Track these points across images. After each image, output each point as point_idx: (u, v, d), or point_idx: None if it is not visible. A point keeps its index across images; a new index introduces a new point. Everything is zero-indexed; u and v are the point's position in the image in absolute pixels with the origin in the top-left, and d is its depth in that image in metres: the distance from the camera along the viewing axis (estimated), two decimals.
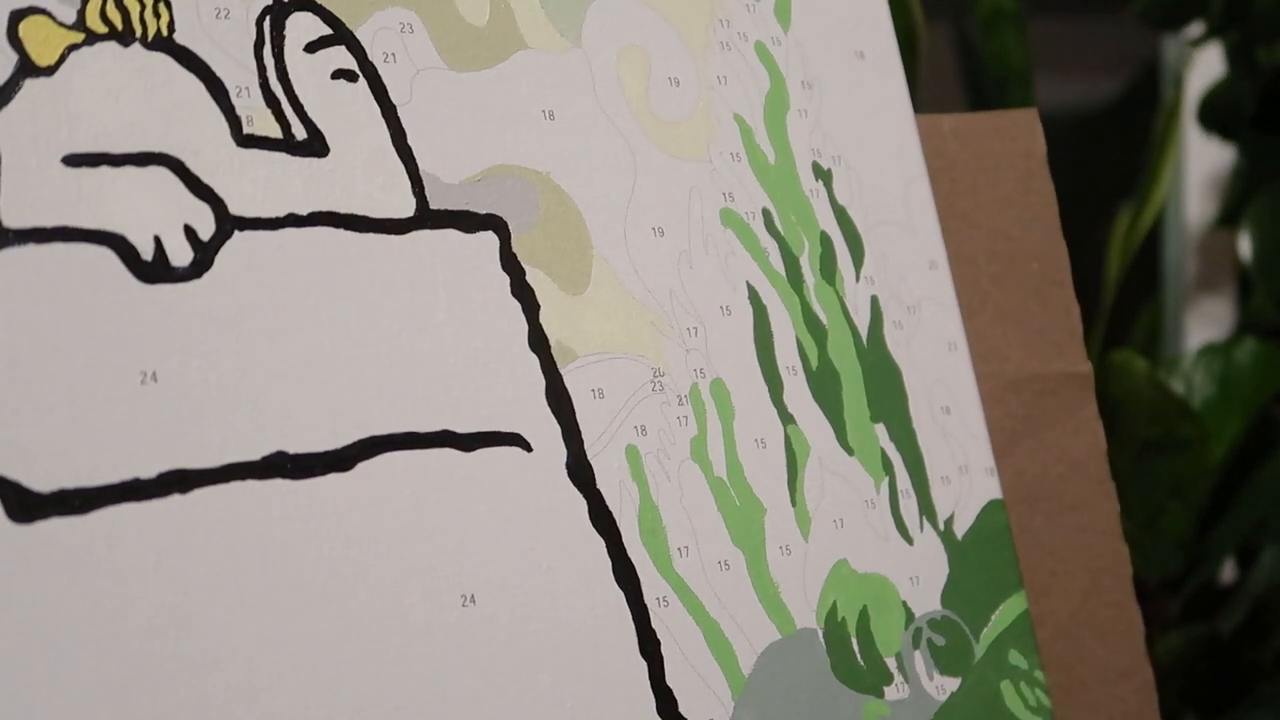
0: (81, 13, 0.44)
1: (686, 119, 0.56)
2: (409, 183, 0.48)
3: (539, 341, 0.49)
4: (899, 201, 0.61)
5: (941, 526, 0.58)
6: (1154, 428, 1.11)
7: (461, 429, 0.47)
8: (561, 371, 0.50)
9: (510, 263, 0.50)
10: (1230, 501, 1.17)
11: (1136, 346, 1.33)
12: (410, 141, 0.49)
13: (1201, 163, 1.48)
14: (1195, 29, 1.31)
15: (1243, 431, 1.17)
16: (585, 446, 0.50)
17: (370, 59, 0.48)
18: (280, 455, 0.44)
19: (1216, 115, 1.30)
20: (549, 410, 0.49)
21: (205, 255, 0.44)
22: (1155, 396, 1.10)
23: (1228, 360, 1.19)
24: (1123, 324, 1.37)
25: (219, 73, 0.46)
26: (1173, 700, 1.20)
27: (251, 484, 0.43)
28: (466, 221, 0.49)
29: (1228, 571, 1.30)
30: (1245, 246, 1.25)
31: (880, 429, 0.58)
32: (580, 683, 0.47)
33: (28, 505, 0.40)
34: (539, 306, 0.50)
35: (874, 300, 0.59)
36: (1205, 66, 1.39)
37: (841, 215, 0.59)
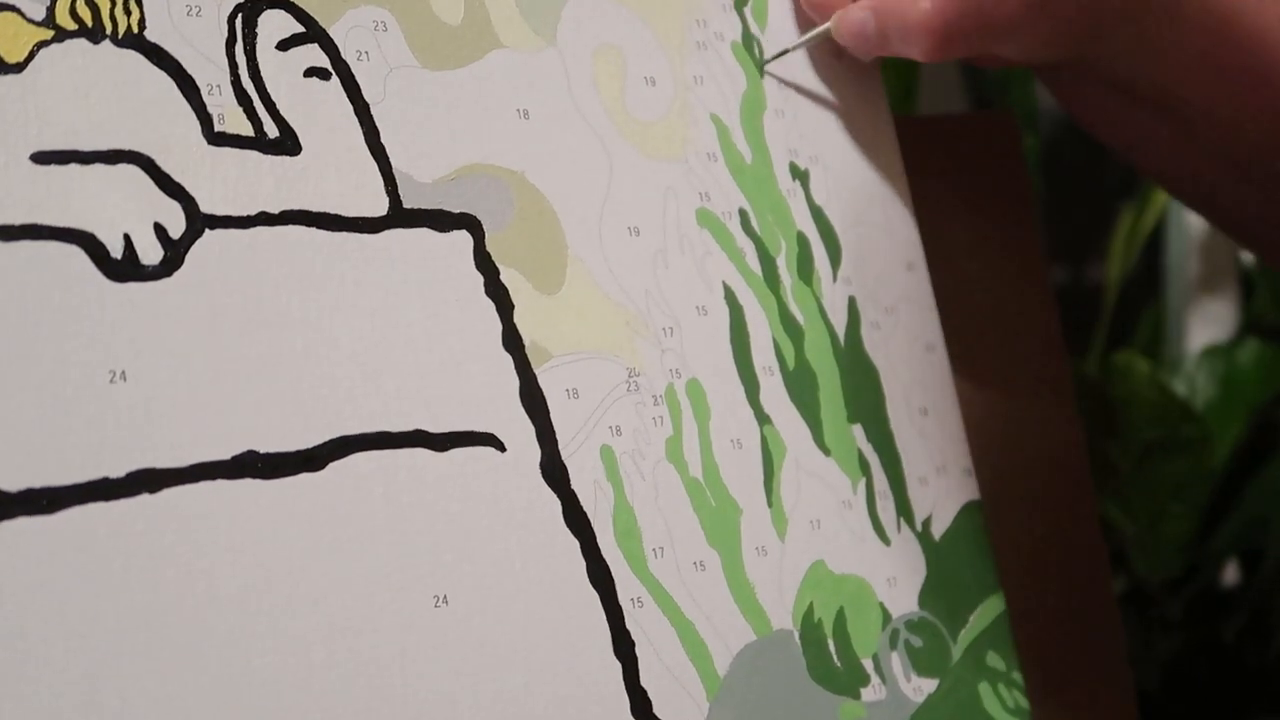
0: (51, 10, 0.44)
1: (662, 119, 0.56)
2: (382, 181, 0.48)
3: (513, 341, 0.49)
4: (876, 202, 0.61)
5: (919, 527, 0.58)
6: (1156, 429, 1.10)
7: (434, 429, 0.47)
8: (536, 371, 0.50)
9: (484, 262, 0.49)
10: (1232, 503, 1.17)
11: (1139, 348, 1.33)
12: (383, 140, 0.49)
13: None
14: None
15: (1245, 433, 1.17)
16: (559, 447, 0.49)
17: (343, 57, 0.48)
18: (251, 454, 0.44)
19: None
20: (523, 410, 0.49)
21: (176, 254, 0.44)
22: (1157, 398, 1.10)
23: (1230, 361, 1.19)
24: (1125, 325, 1.36)
25: (190, 70, 0.46)
26: (1175, 703, 1.20)
27: (222, 483, 0.43)
28: (440, 220, 0.49)
29: (1230, 574, 1.30)
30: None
31: (857, 430, 0.57)
32: (554, 684, 0.47)
33: None
34: (513, 306, 0.50)
35: (851, 301, 0.59)
36: None
37: (819, 215, 0.59)
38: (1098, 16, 0.60)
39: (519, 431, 0.49)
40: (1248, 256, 1.27)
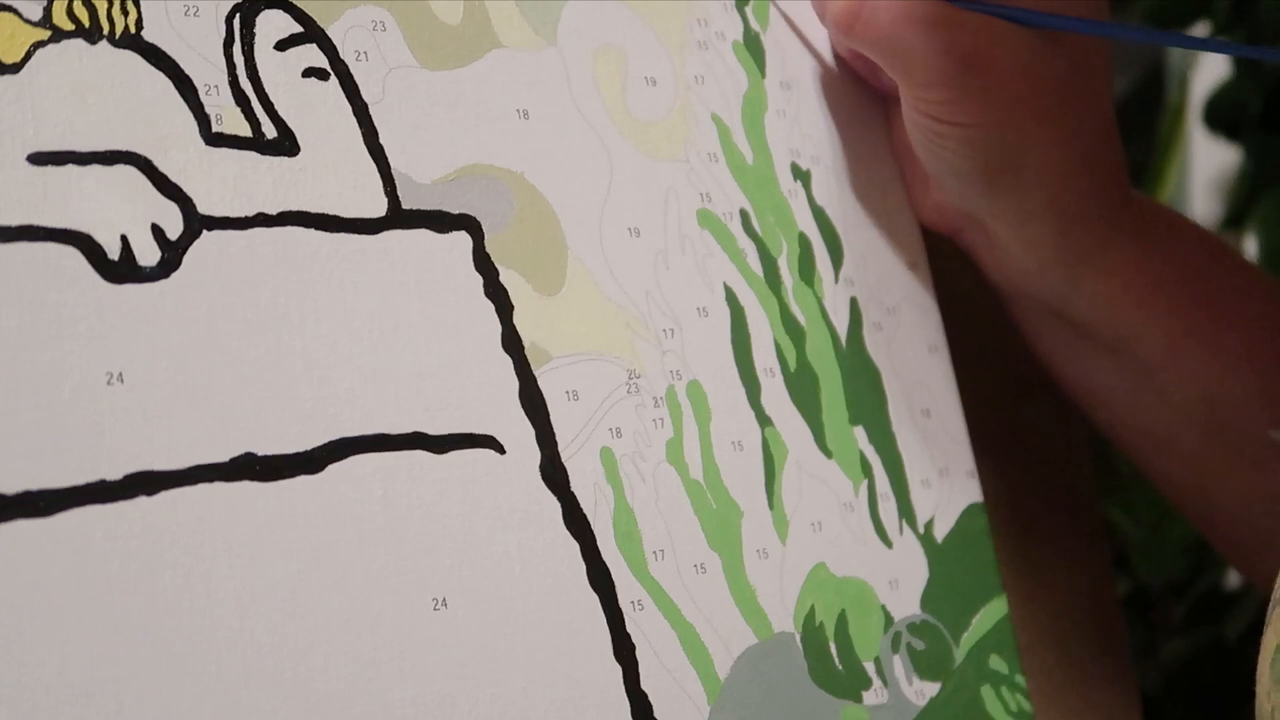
0: (48, 10, 0.44)
1: (663, 119, 0.55)
2: (381, 182, 0.48)
3: (513, 343, 0.49)
4: (879, 202, 0.61)
5: (921, 529, 0.58)
6: None
7: (434, 431, 0.47)
8: (535, 373, 0.50)
9: (483, 263, 0.49)
10: None
11: None
12: (382, 140, 0.48)
13: (1207, 164, 1.47)
14: (1201, 28, 1.30)
15: None
16: (559, 449, 0.49)
17: (342, 57, 0.48)
18: (249, 457, 0.44)
19: (1222, 116, 1.29)
20: (523, 412, 0.49)
21: (173, 255, 0.44)
22: None
23: None
24: None
25: (188, 70, 0.45)
26: (1178, 707, 1.20)
27: (219, 486, 0.43)
28: (439, 221, 0.49)
29: (1233, 576, 1.29)
30: (1252, 249, 1.25)
31: (859, 431, 0.57)
32: (554, 687, 0.47)
33: None
34: (513, 307, 0.50)
35: (853, 302, 0.59)
36: (1211, 66, 1.38)
37: (820, 216, 0.59)
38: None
39: (519, 433, 0.49)
40: (1250, 253, 1.26)
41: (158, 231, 0.44)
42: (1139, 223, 0.60)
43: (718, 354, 0.54)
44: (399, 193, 0.48)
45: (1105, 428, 0.65)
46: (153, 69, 0.45)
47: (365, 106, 0.48)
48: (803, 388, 0.56)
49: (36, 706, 0.39)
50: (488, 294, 0.49)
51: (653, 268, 0.53)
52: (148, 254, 0.43)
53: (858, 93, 0.62)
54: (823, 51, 0.61)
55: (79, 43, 0.44)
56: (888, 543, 0.57)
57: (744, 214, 0.56)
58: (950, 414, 0.61)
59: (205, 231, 0.44)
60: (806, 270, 0.58)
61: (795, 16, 0.61)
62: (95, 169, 0.43)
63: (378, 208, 0.48)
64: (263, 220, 0.45)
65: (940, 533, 0.59)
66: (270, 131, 0.46)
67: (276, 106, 0.47)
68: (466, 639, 0.46)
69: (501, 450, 0.48)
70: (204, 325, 0.44)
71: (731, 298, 0.55)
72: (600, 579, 0.49)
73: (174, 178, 0.44)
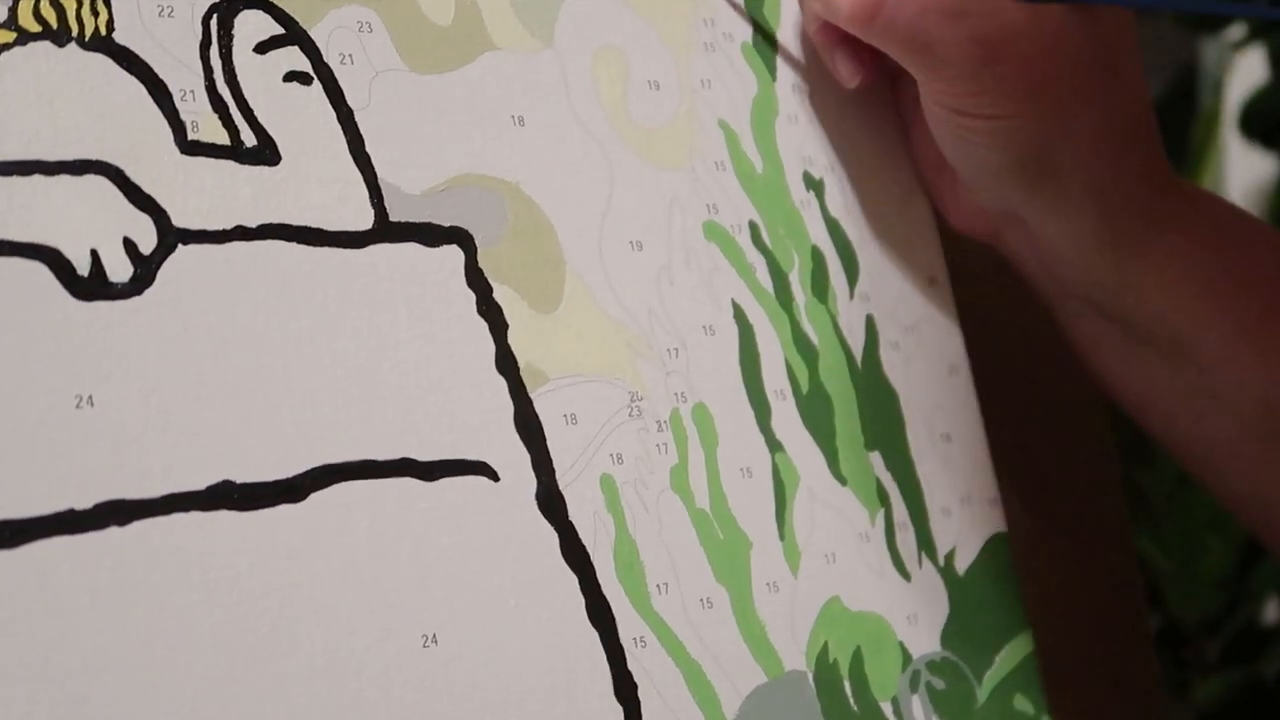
0: (13, 10, 0.44)
1: (667, 125, 0.55)
2: (367, 193, 0.48)
3: (507, 363, 0.49)
4: (896, 214, 0.61)
5: (941, 561, 0.58)
6: None
7: (423, 457, 0.47)
8: (531, 395, 0.49)
9: (476, 279, 0.49)
10: None
11: None
12: (368, 149, 0.48)
13: (1243, 173, 1.47)
14: (1236, 31, 1.31)
15: None
16: (557, 476, 0.49)
17: (325, 60, 0.48)
18: (226, 485, 0.43)
19: (1259, 123, 1.29)
20: (518, 437, 0.49)
21: (146, 270, 0.44)
22: None
23: None
24: None
25: (162, 75, 0.45)
26: None
27: (195, 515, 0.43)
28: (429, 234, 0.49)
29: (1270, 611, 1.30)
30: None
31: (875, 457, 0.57)
32: None
33: None
34: (507, 326, 0.50)
35: (869, 319, 0.59)
36: (1247, 71, 1.38)
37: (834, 228, 0.59)
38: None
39: (513, 460, 0.49)
40: None
41: (130, 245, 0.43)
42: (1185, 211, 0.60)
43: (725, 375, 0.54)
44: (386, 204, 0.48)
45: (1159, 435, 0.65)
46: (125, 73, 0.45)
47: (350, 113, 0.48)
48: (815, 411, 0.56)
49: None
50: (480, 312, 0.49)
51: (656, 283, 0.53)
52: (119, 269, 0.43)
53: (874, 96, 0.62)
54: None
55: (46, 45, 0.44)
56: (906, 575, 0.57)
57: (753, 226, 0.56)
58: (972, 438, 0.61)
59: (180, 245, 0.44)
60: (820, 286, 0.58)
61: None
62: (64, 179, 0.43)
63: (364, 220, 0.48)
64: (241, 233, 0.45)
65: (962, 565, 0.59)
66: (249, 139, 0.46)
67: (256, 113, 0.47)
68: (458, 678, 0.46)
69: (495, 477, 0.48)
70: (179, 345, 0.44)
71: (740, 315, 0.55)
72: (600, 614, 0.49)
73: (147, 188, 0.44)
